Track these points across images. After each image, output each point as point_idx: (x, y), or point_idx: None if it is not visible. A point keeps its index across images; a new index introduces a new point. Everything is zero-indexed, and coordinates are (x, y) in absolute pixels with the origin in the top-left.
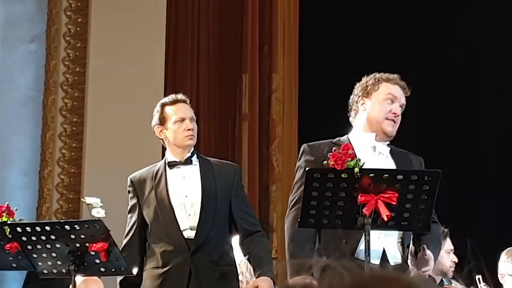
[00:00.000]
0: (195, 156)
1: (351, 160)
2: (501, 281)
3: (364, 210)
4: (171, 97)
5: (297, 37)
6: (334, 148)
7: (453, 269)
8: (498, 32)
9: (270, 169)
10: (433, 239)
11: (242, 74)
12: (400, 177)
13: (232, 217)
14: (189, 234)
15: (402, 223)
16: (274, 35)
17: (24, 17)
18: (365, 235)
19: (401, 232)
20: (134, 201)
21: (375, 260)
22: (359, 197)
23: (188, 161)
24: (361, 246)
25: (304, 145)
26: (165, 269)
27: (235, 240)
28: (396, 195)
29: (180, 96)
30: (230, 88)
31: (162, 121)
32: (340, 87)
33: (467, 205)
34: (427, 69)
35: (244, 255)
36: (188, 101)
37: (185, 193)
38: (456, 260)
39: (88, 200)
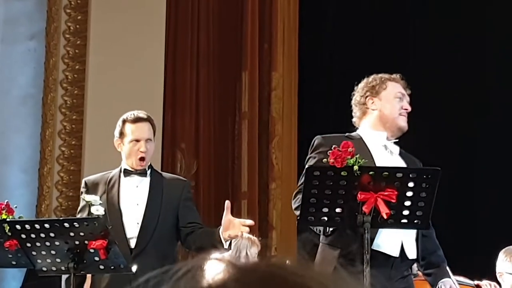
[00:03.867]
0: (150, 169)
1: (351, 158)
2: (499, 279)
3: (363, 208)
4: (133, 114)
5: (297, 35)
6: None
7: None
8: (498, 31)
9: (269, 167)
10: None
11: (242, 72)
12: (399, 175)
13: (177, 225)
14: (134, 240)
15: (402, 221)
16: (274, 33)
17: (24, 15)
18: (364, 233)
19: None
20: (85, 202)
21: (394, 253)
22: (358, 195)
23: (142, 172)
24: (379, 238)
25: (318, 136)
26: None
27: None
28: (396, 193)
29: (142, 114)
30: (230, 86)
31: (121, 135)
32: (339, 85)
33: (466, 205)
34: (427, 68)
35: (191, 247)
36: (150, 120)
37: (136, 202)
38: None
39: (87, 198)
